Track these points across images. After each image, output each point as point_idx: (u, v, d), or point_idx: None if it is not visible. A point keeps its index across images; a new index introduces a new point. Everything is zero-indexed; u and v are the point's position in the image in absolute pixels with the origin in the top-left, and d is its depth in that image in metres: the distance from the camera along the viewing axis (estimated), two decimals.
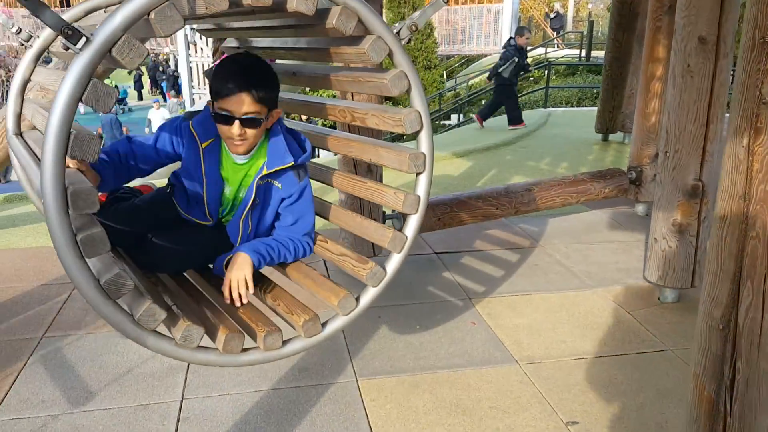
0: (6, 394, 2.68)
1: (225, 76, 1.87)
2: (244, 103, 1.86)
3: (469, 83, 18.46)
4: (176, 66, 23.52)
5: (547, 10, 26.68)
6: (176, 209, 2.13)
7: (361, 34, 1.78)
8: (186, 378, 2.79)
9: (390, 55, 1.79)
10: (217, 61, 2.05)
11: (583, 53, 17.32)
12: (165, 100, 23.15)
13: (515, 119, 9.25)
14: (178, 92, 21.68)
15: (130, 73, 28.33)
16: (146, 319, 1.61)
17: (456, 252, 4.32)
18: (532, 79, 16.99)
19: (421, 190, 1.98)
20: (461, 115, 16.50)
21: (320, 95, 13.28)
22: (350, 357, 2.98)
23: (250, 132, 1.92)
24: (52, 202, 1.44)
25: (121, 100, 25.39)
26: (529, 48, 9.21)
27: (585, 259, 4.20)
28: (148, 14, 1.43)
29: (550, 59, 17.23)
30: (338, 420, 2.54)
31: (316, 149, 4.06)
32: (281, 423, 2.51)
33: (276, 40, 2.29)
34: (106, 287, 1.54)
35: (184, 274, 2.25)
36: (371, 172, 3.71)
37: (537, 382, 2.81)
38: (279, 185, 2.04)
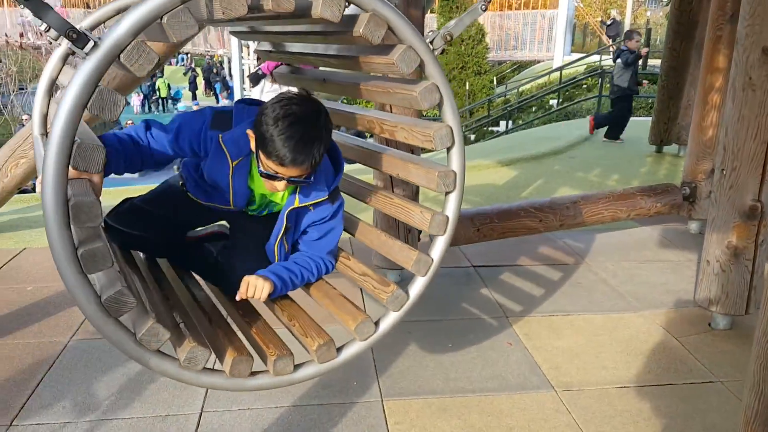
0: (28, 398, 2.65)
1: (284, 143, 1.71)
2: (297, 171, 1.78)
3: (520, 89, 18.14)
4: (230, 68, 23.93)
5: (602, 17, 26.08)
6: (193, 202, 2.06)
7: (392, 42, 1.67)
8: (207, 390, 2.71)
9: (421, 66, 1.67)
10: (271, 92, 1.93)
11: (640, 62, 16.78)
12: (218, 101, 23.57)
13: (614, 132, 8.59)
14: (230, 94, 22.02)
15: (185, 74, 28.96)
16: (148, 339, 1.54)
17: (495, 266, 4.16)
18: (585, 86, 16.61)
19: (451, 210, 1.85)
20: (510, 122, 16.22)
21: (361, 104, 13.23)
22: (377, 374, 2.86)
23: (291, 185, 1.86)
24: (52, 215, 1.37)
25: (175, 100, 25.93)
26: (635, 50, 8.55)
27: (632, 279, 3.98)
28: (161, 18, 1.35)
29: (604, 67, 16.77)
30: None
31: None
32: None
33: (307, 45, 2.20)
34: (106, 304, 1.47)
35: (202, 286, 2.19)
36: (408, 183, 3.58)
37: (574, 411, 2.64)
38: (312, 209, 1.97)
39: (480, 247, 4.37)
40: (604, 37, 24.26)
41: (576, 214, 4.18)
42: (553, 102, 16.61)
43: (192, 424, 2.50)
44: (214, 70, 26.33)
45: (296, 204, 1.93)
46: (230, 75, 23.88)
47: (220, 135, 1.88)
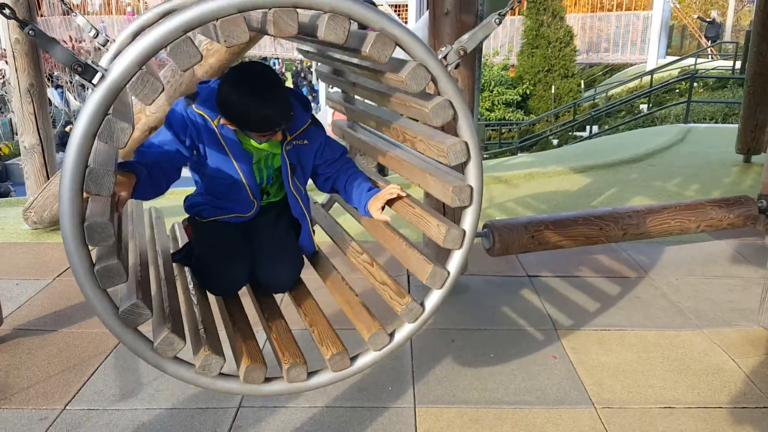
0: (84, 384, 2.84)
1: (253, 113, 1.87)
2: (276, 131, 1.96)
3: (609, 93, 17.59)
4: (316, 73, 24.62)
5: (700, 14, 24.82)
6: (222, 226, 2.16)
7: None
8: None
9: (434, 81, 1.68)
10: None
11: (738, 65, 15.91)
12: None
13: None
14: (316, 98, 22.52)
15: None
16: (164, 348, 1.63)
17: (551, 276, 4.08)
18: (678, 91, 15.93)
19: (467, 224, 1.84)
20: (596, 127, 15.75)
21: None
22: (413, 381, 2.88)
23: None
24: (69, 235, 1.47)
25: None
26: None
27: (696, 295, 3.81)
28: (166, 48, 1.42)
29: (698, 70, 16.01)
30: None
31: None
32: None
33: (337, 53, 2.25)
34: (123, 316, 1.57)
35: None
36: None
37: (611, 429, 2.56)
38: (306, 142, 2.11)
39: (538, 257, 4.30)
40: (703, 40, 23.16)
41: (639, 223, 4.02)
42: (644, 107, 16.01)
43: (229, 418, 2.60)
44: (302, 75, 27.00)
45: (288, 137, 2.06)
46: (317, 79, 24.55)
47: (193, 105, 1.99)
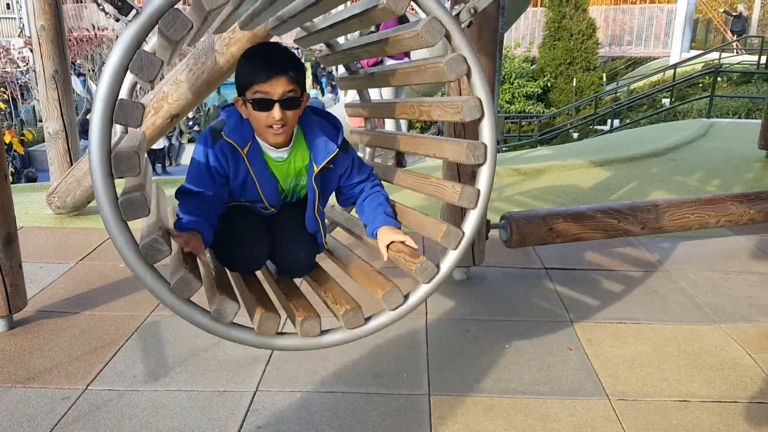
0: (105, 365, 2.89)
1: (260, 62, 1.91)
2: (282, 84, 1.89)
3: (630, 87, 17.41)
4: (337, 83, 24.76)
5: (726, 8, 24.42)
6: (247, 209, 2.19)
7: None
8: (265, 369, 2.86)
9: (448, 37, 1.70)
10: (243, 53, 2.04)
11: (763, 60, 15.67)
12: (323, 94, 24.22)
13: None
14: (335, 88, 22.56)
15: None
16: (180, 288, 1.65)
17: (568, 269, 4.07)
18: (701, 85, 15.74)
19: (482, 183, 1.86)
20: (617, 120, 15.62)
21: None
22: (428, 369, 2.90)
23: (290, 115, 1.94)
24: (97, 165, 1.50)
25: None
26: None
27: (714, 290, 3.79)
28: None
29: (722, 65, 15.80)
30: None
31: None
32: (342, 428, 2.49)
33: (352, 42, 2.27)
34: (143, 251, 1.60)
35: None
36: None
37: (625, 421, 2.57)
38: (332, 167, 2.11)
39: (556, 249, 4.30)
40: (728, 34, 22.81)
41: (658, 217, 4.01)
42: (666, 101, 15.85)
43: (246, 401, 2.64)
44: (321, 65, 27.07)
45: (316, 169, 2.05)
46: (336, 70, 24.63)
47: (222, 133, 1.98)
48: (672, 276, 3.99)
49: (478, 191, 1.85)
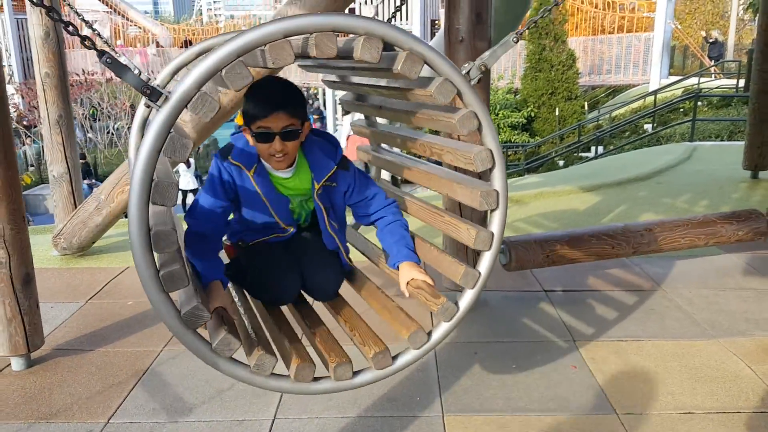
0: (124, 399, 2.96)
1: (262, 100, 2.04)
2: (282, 119, 2.02)
3: (613, 114, 17.79)
4: (324, 99, 25.08)
5: (704, 33, 25.07)
6: (265, 246, 2.29)
7: (431, 75, 1.84)
8: (280, 399, 2.93)
9: (459, 95, 1.82)
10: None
11: (741, 83, 16.10)
12: None
13: None
14: (323, 123, 22.89)
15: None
16: (222, 348, 1.75)
17: (567, 291, 4.19)
18: (682, 110, 16.11)
19: (495, 227, 1.97)
20: (601, 147, 15.92)
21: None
22: (440, 391, 2.99)
23: (290, 145, 2.07)
24: (136, 242, 1.60)
25: None
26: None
27: (709, 307, 3.91)
28: (221, 71, 1.56)
29: (702, 89, 16.22)
30: None
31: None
32: None
33: (362, 78, 2.40)
34: (185, 318, 1.69)
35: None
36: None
37: None
38: (335, 184, 2.23)
39: (553, 272, 4.42)
40: (705, 59, 23.40)
41: (650, 241, 4.14)
42: (648, 127, 16.20)
43: (265, 429, 2.71)
44: (310, 101, 27.42)
45: (316, 186, 2.18)
46: (324, 105, 25.01)
47: (229, 157, 2.12)
48: (668, 294, 4.12)
49: (492, 234, 1.97)
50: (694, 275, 4.45)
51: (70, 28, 1.72)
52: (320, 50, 1.56)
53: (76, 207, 4.90)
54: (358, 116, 5.69)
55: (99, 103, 19.24)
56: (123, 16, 30.01)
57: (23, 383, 3.11)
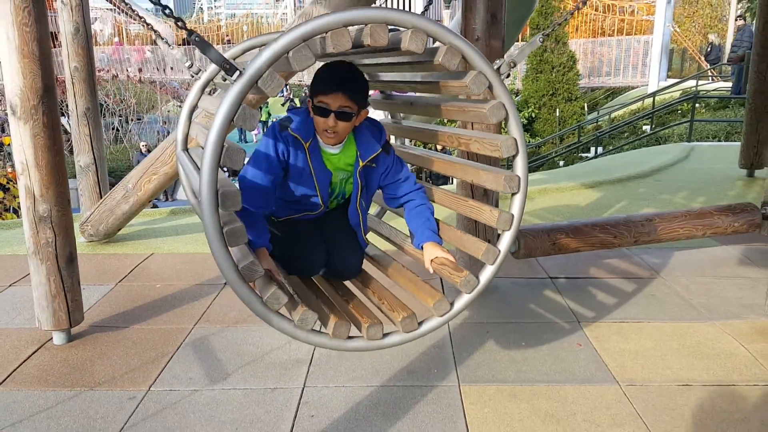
0: (162, 371, 3.18)
1: (326, 78, 2.26)
2: (339, 99, 2.24)
3: (612, 116, 18.04)
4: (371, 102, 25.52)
5: (702, 42, 25.36)
6: (293, 222, 2.51)
7: (465, 69, 2.07)
8: (308, 370, 3.16)
9: (490, 87, 2.04)
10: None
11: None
12: None
13: None
14: None
15: (283, 104, 30.54)
16: (272, 301, 1.97)
17: (571, 278, 4.42)
18: (680, 112, 16.36)
19: (516, 209, 2.20)
20: (601, 148, 16.17)
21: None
22: (455, 365, 3.22)
23: (341, 125, 2.29)
24: (207, 201, 1.83)
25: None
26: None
27: (706, 293, 4.15)
28: (288, 53, 1.80)
29: (700, 91, 16.48)
30: (438, 417, 2.78)
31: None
32: (386, 415, 2.80)
33: (397, 75, 2.63)
34: (243, 272, 1.92)
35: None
36: (486, 196, 3.94)
37: (635, 402, 2.89)
38: (375, 165, 2.45)
39: (558, 260, 4.65)
40: (703, 63, 23.67)
41: (650, 231, 4.38)
42: (646, 128, 16.45)
43: (296, 396, 2.94)
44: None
45: (361, 163, 2.40)
46: None
47: (289, 128, 2.33)
48: (667, 282, 4.35)
49: (512, 216, 2.20)
50: (691, 265, 4.69)
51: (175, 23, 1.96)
52: (374, 39, 1.80)
53: (101, 196, 5.12)
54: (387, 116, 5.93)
55: (105, 100, 19.42)
56: (127, 13, 30.19)
57: (66, 356, 3.33)
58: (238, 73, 1.80)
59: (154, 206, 13.17)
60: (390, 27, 1.87)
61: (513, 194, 2.19)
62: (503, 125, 2.24)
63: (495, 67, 2.07)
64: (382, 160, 2.47)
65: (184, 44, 28.01)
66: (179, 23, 1.89)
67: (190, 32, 1.81)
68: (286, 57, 1.80)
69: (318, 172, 2.39)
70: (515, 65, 2.15)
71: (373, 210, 3.30)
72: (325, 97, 2.25)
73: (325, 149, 2.40)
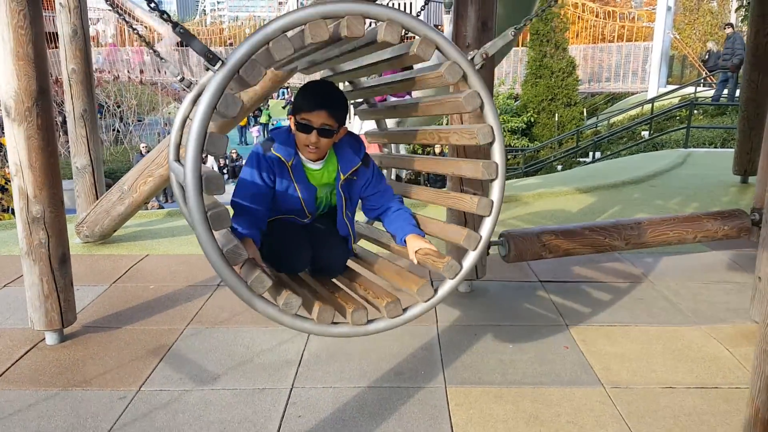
0: (152, 371, 3.22)
1: (309, 96, 2.34)
2: (322, 117, 2.33)
3: (611, 121, 18.09)
4: (357, 113, 25.67)
5: (702, 49, 25.42)
6: (287, 221, 2.57)
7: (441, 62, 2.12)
8: (297, 371, 3.20)
9: (465, 77, 2.09)
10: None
11: (737, 92, 16.40)
12: None
13: None
14: None
15: (284, 107, 30.65)
16: (256, 285, 2.01)
17: (560, 281, 4.46)
18: (678, 118, 16.41)
19: (495, 195, 2.24)
20: (599, 153, 16.22)
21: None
22: (443, 366, 3.25)
23: (323, 141, 2.37)
24: (191, 185, 1.87)
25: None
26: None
27: (694, 297, 4.19)
28: (268, 44, 1.85)
29: (698, 98, 16.53)
30: (424, 418, 2.82)
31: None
32: (373, 415, 2.83)
33: (379, 80, 2.68)
34: (227, 255, 1.96)
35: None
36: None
37: (619, 404, 2.93)
38: (356, 177, 2.55)
39: (548, 264, 4.69)
40: (704, 70, 23.72)
41: (640, 234, 4.41)
42: (645, 133, 16.51)
43: (284, 396, 2.98)
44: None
45: (342, 177, 2.49)
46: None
47: (272, 149, 2.41)
48: (655, 286, 4.39)
49: (492, 201, 2.24)
50: (681, 269, 4.73)
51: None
52: (351, 31, 1.86)
53: (97, 197, 5.16)
54: (366, 126, 5.97)
55: (105, 102, 19.49)
56: (129, 14, 30.29)
57: (57, 356, 3.37)
58: (220, 63, 1.86)
59: (161, 207, 13.24)
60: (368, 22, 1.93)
61: (492, 180, 2.23)
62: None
63: (469, 57, 2.13)
64: (362, 173, 2.56)
65: (179, 46, 28.11)
66: (164, 16, 1.98)
67: (175, 24, 1.90)
68: (267, 48, 1.85)
69: (303, 189, 2.48)
70: (488, 56, 2.20)
71: (359, 217, 3.35)
72: (308, 114, 2.34)
73: (307, 165, 2.48)
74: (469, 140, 2.23)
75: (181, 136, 2.91)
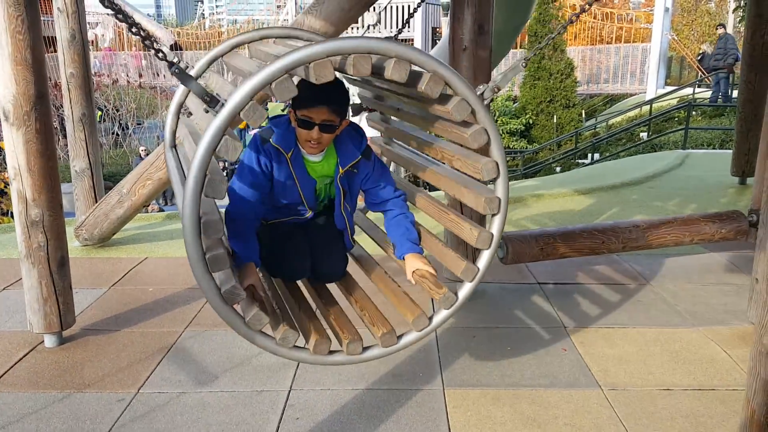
0: (151, 373, 3.22)
1: (311, 92, 2.23)
2: (323, 113, 2.29)
3: (609, 122, 18.11)
4: (359, 97, 25.62)
5: (698, 49, 25.48)
6: (283, 226, 2.56)
7: (451, 93, 2.07)
8: (295, 373, 3.20)
9: (473, 113, 2.04)
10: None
11: (735, 93, 16.44)
12: None
13: None
14: None
15: (283, 109, 30.68)
16: (254, 323, 2.02)
17: (559, 284, 4.47)
18: (676, 119, 16.43)
19: (495, 229, 2.24)
20: (597, 154, 16.23)
21: None
22: (441, 369, 3.26)
23: (325, 136, 2.34)
24: (188, 228, 1.85)
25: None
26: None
27: (692, 299, 4.19)
28: (270, 84, 1.82)
29: (696, 99, 16.56)
30: (421, 421, 2.82)
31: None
32: (371, 418, 2.84)
33: (384, 82, 2.67)
34: (225, 295, 1.96)
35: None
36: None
37: (617, 407, 2.94)
38: (356, 171, 2.51)
39: (547, 266, 4.70)
40: (702, 71, 23.75)
41: (638, 237, 4.41)
42: (643, 135, 16.52)
43: (282, 398, 2.99)
44: None
45: (341, 170, 2.46)
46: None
47: (270, 140, 2.38)
48: (654, 288, 4.40)
49: (492, 235, 2.24)
50: (679, 271, 4.74)
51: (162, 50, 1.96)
52: (357, 69, 1.82)
53: (96, 201, 5.17)
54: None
55: (105, 105, 19.50)
56: (129, 17, 30.25)
57: (56, 358, 3.37)
58: (220, 104, 1.82)
59: (160, 209, 13.23)
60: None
61: (493, 215, 2.22)
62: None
63: (478, 92, 2.10)
64: (362, 166, 2.53)
65: (174, 49, 28.13)
66: (159, 55, 1.88)
67: (171, 64, 1.84)
68: (269, 88, 1.82)
69: (302, 181, 2.45)
70: (498, 90, 2.18)
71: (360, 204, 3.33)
72: (309, 111, 2.29)
73: (307, 158, 2.45)
74: (472, 173, 2.22)
75: (177, 122, 2.90)
